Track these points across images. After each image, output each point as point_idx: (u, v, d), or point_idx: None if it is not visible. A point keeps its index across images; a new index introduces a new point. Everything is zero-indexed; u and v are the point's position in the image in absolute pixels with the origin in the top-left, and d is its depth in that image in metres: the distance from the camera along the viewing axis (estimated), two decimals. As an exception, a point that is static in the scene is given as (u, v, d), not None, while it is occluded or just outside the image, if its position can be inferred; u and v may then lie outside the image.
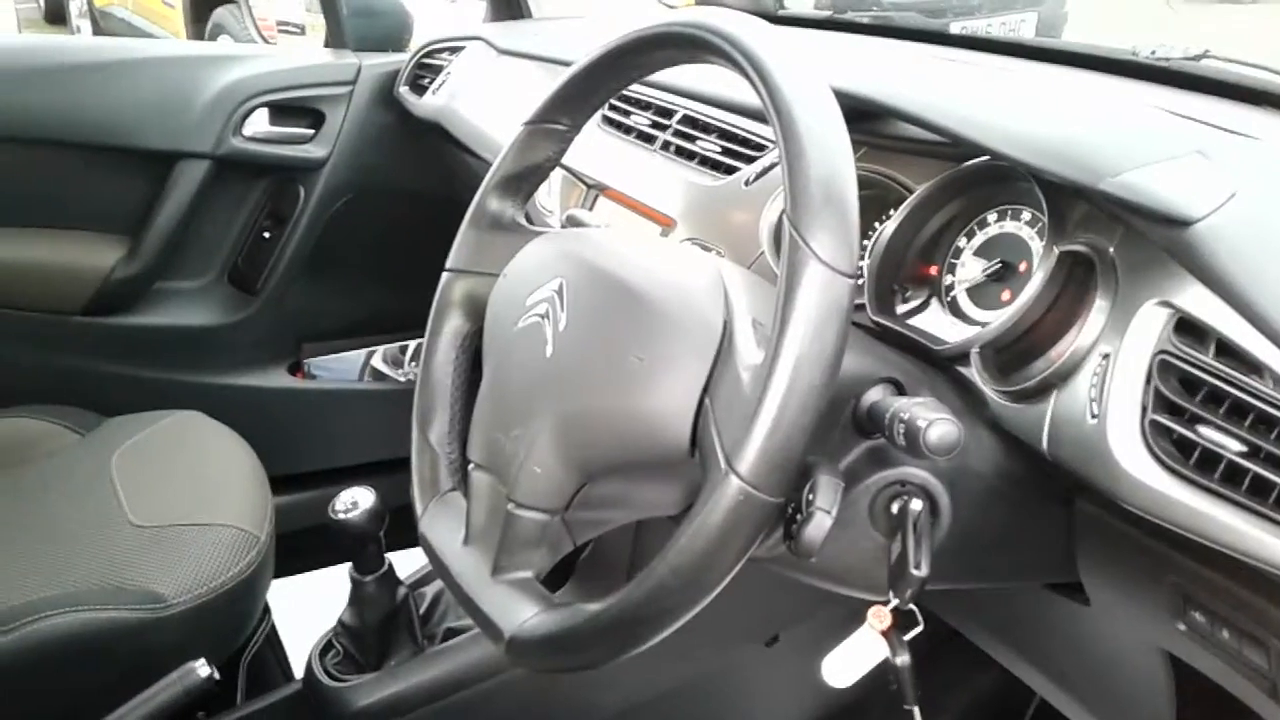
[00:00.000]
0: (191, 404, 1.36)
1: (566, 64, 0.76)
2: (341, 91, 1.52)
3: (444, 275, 0.80)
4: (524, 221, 0.79)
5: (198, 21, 4.24)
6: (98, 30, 5.49)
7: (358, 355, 1.65)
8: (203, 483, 1.20)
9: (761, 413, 0.49)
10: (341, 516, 0.97)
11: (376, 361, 1.66)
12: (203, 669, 0.94)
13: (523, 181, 0.79)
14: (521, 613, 0.59)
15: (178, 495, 1.17)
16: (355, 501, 0.97)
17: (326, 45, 1.63)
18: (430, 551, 0.69)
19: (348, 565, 1.04)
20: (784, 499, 0.51)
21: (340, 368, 1.64)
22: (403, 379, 1.68)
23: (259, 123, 1.49)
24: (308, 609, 1.35)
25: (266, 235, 1.54)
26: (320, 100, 1.52)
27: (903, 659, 0.58)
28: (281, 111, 1.51)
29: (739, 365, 0.55)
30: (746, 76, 0.57)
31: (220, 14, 4.07)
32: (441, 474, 0.73)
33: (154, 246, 1.47)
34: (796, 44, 0.58)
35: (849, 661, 0.65)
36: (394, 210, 1.61)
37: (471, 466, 0.67)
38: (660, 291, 0.61)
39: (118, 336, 1.48)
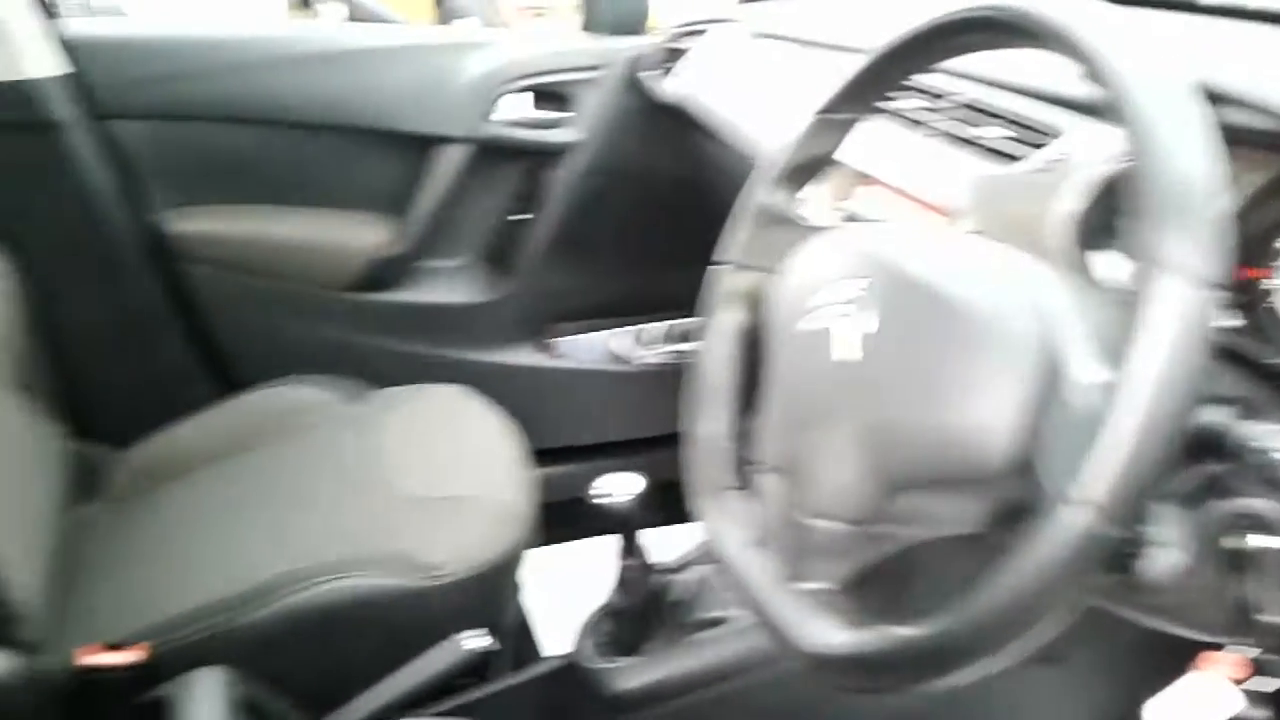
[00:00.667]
0: (448, 378, 1.42)
1: (833, 48, 0.73)
2: (592, 76, 1.55)
3: (716, 268, 0.80)
4: (803, 214, 0.78)
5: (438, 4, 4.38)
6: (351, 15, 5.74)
7: (602, 336, 1.68)
8: (468, 456, 1.25)
9: (1110, 437, 0.46)
10: (606, 501, 0.98)
11: (618, 343, 1.69)
12: (477, 640, 0.98)
13: (804, 173, 0.77)
14: (822, 627, 0.58)
15: (445, 467, 1.22)
16: (619, 485, 0.98)
17: (583, 29, 1.65)
18: (715, 551, 0.69)
19: (587, 540, 1.05)
20: (1127, 530, 0.47)
21: (586, 347, 1.68)
22: (642, 360, 1.70)
23: (513, 107, 1.53)
24: (552, 582, 1.39)
25: (519, 217, 1.59)
26: (572, 84, 1.55)
27: (1263, 715, 0.53)
28: (535, 96, 1.55)
29: (1073, 381, 0.51)
30: (1086, 67, 0.53)
31: None
32: (722, 471, 0.73)
33: (417, 227, 1.54)
34: (1141, 27, 0.53)
35: (1188, 711, 0.59)
36: (639, 194, 1.62)
37: (761, 467, 0.67)
38: (975, 296, 0.58)
39: (382, 312, 1.57)
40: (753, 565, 0.65)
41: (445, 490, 1.17)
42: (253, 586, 1.04)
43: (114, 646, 0.99)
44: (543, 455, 1.33)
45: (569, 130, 1.55)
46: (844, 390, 0.61)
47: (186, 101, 1.46)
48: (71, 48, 1.39)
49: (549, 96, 1.55)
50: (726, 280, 0.78)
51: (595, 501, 0.98)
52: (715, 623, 1.02)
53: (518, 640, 1.33)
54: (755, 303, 0.77)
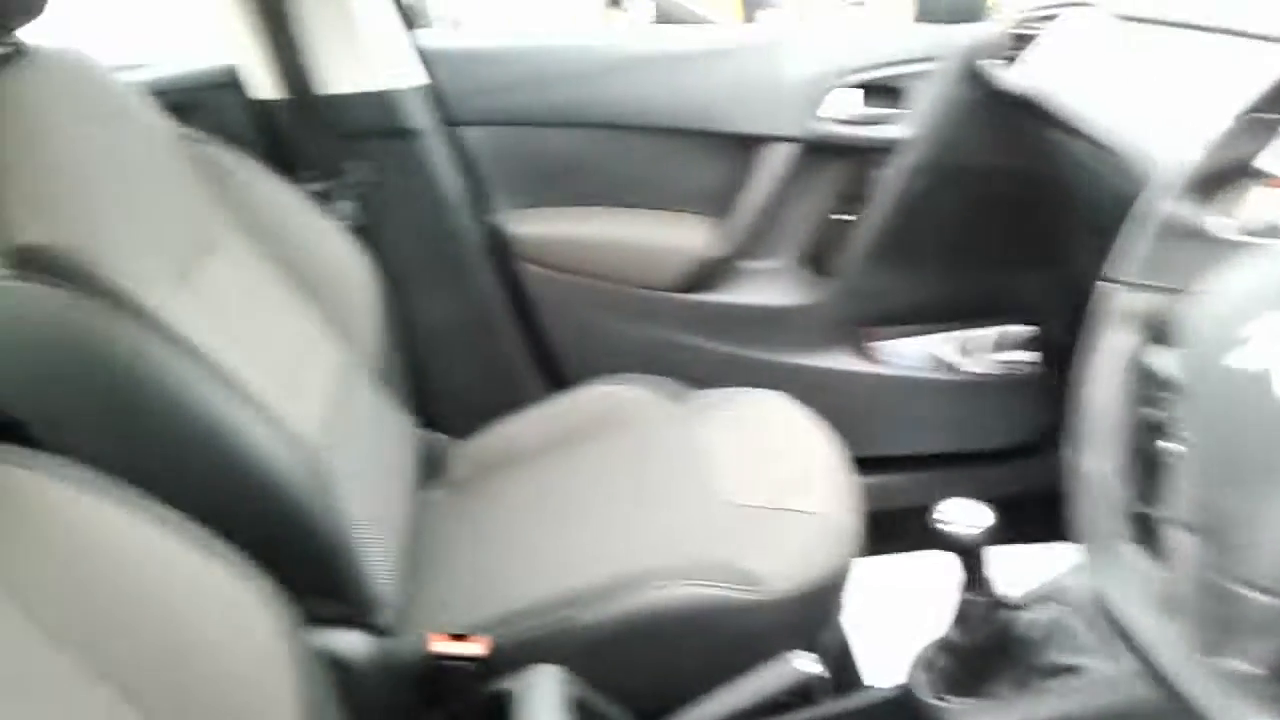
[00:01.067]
0: (767, 380, 1.40)
1: (1223, 32, 0.62)
2: (925, 68, 1.47)
3: (1108, 286, 0.71)
4: (1217, 229, 0.68)
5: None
6: (657, 13, 5.83)
7: (925, 341, 1.60)
8: (794, 465, 1.22)
9: None
10: (950, 529, 0.92)
11: (944, 349, 1.60)
12: (813, 663, 0.95)
13: (1220, 181, 0.68)
14: (1249, 714, 0.50)
15: (771, 476, 1.20)
16: (963, 513, 0.92)
17: (917, 19, 1.58)
18: (1109, 611, 0.62)
19: (908, 554, 0.97)
20: None
21: (907, 353, 1.61)
22: (973, 369, 1.61)
23: (842, 103, 1.48)
24: (880, 594, 1.34)
25: (842, 217, 1.54)
26: (904, 78, 1.47)
27: None
28: (864, 91, 1.49)
29: None
30: None
31: None
32: (1112, 518, 0.65)
33: (740, 228, 1.53)
34: None
35: None
36: (975, 192, 1.52)
37: (1172, 523, 0.59)
38: None
39: (703, 312, 1.57)
40: (1159, 631, 0.57)
41: (772, 500, 1.15)
42: (590, 586, 1.06)
43: (458, 636, 1.04)
44: (860, 463, 1.28)
45: (900, 126, 1.48)
46: (1292, 442, 0.52)
47: (525, 108, 1.52)
48: (427, 59, 1.48)
49: (879, 91, 1.49)
50: (1119, 299, 0.70)
51: (938, 527, 0.92)
52: (1070, 670, 0.93)
53: (838, 661, 1.29)
54: (1155, 327, 0.68)
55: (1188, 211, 0.68)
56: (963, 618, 0.96)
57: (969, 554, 0.92)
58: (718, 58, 1.51)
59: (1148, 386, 0.67)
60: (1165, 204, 0.69)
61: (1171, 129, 0.81)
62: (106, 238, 0.95)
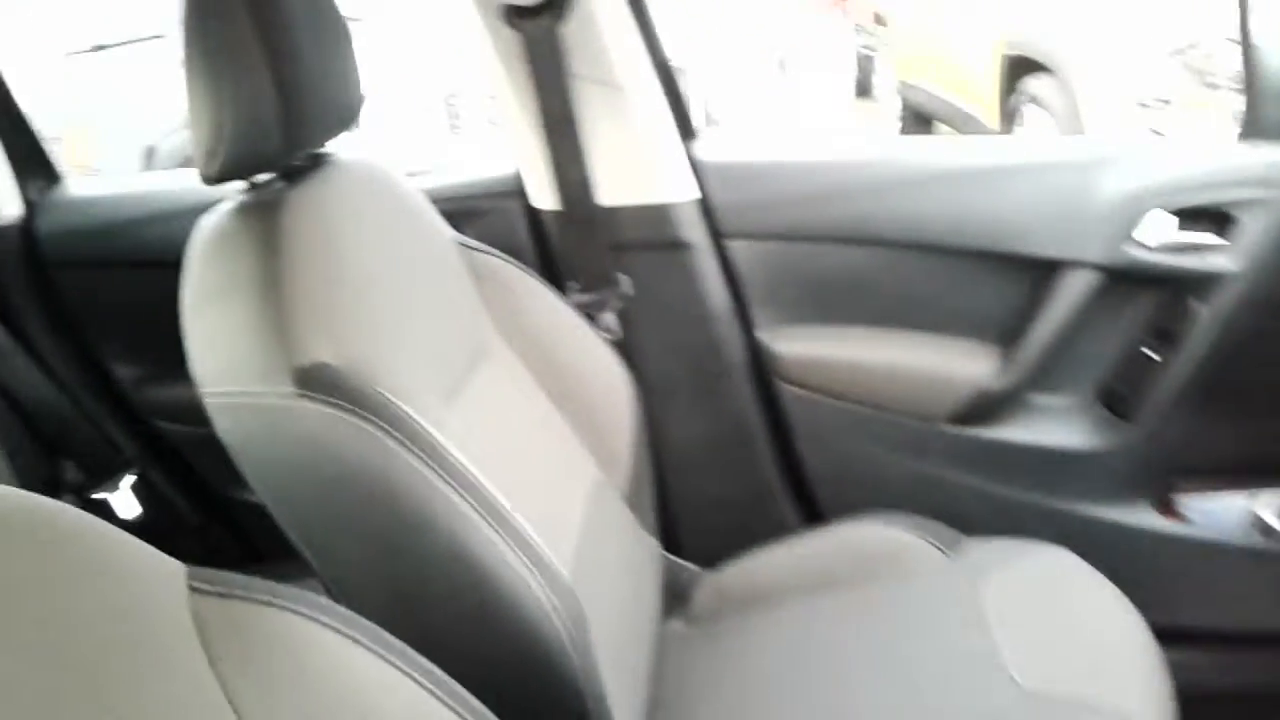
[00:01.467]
0: (1049, 533, 1.25)
1: None
2: (1263, 195, 1.28)
3: None
4: None
5: (1007, 87, 4.04)
6: (905, 105, 5.62)
7: (1244, 501, 1.39)
8: (1095, 645, 1.06)
9: None
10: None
11: (1265, 511, 1.38)
12: None
13: None
14: None
15: (1068, 657, 1.05)
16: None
17: (1241, 136, 1.40)
18: None
19: None
20: None
21: (1219, 512, 1.39)
22: (1298, 536, 1.38)
23: (1157, 229, 1.32)
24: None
25: (1150, 354, 1.36)
26: (1235, 204, 1.30)
27: None
28: (1184, 216, 1.32)
29: None
30: None
31: (1031, 83, 3.81)
32: None
33: (1027, 359, 1.39)
34: None
35: None
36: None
37: None
38: None
39: (979, 449, 1.43)
40: None
41: (1073, 691, 0.99)
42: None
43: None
44: (1159, 635, 1.10)
45: (1224, 257, 1.30)
46: None
47: (797, 222, 1.45)
48: (699, 171, 1.45)
49: (1199, 215, 1.32)
50: None
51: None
52: None
53: None
54: None
55: None
56: None
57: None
58: (1015, 173, 1.39)
59: None
60: None
61: None
62: (389, 353, 0.95)
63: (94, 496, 1.60)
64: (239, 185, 0.99)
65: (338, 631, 0.66)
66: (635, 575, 1.21)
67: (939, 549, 1.27)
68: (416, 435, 0.88)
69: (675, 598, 1.36)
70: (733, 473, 1.52)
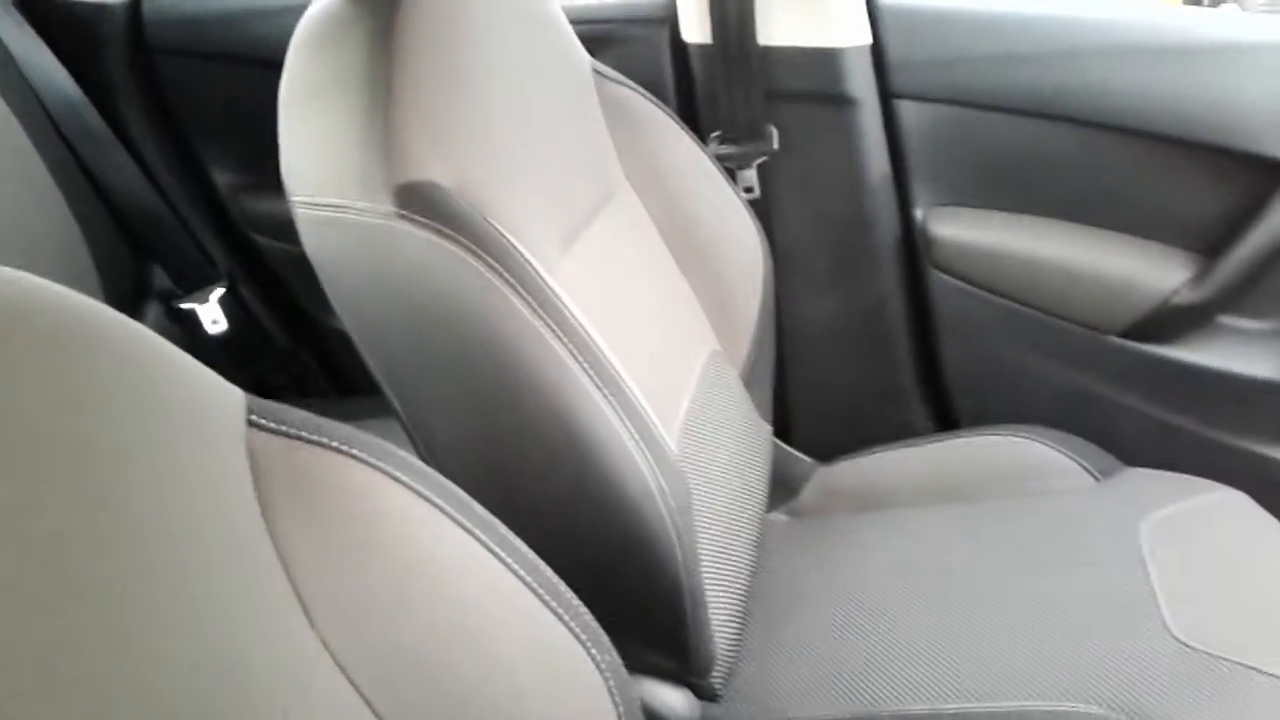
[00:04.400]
0: (1223, 472, 1.09)
1: None
2: None
3: None
4: None
5: None
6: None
7: None
8: (1267, 610, 0.92)
9: None
10: None
11: None
12: None
13: None
14: None
15: (1233, 615, 0.90)
16: None
17: None
18: None
19: None
20: None
21: None
22: None
23: None
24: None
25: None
26: None
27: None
28: None
29: None
30: None
31: None
32: None
33: (1230, 272, 1.19)
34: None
35: None
36: None
37: None
38: None
39: (1155, 368, 1.25)
40: None
41: (1242, 650, 0.85)
42: (976, 716, 0.83)
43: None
44: None
45: None
46: None
47: (980, 86, 1.25)
48: (875, 16, 1.26)
49: None
50: None
51: None
52: None
53: None
54: None
55: None
56: None
57: None
58: (1250, 53, 1.17)
59: None
60: None
61: None
62: (507, 181, 0.82)
63: (181, 306, 1.53)
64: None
65: (416, 492, 0.56)
66: (745, 461, 1.09)
67: (1090, 472, 1.12)
68: (527, 278, 0.77)
69: (783, 489, 1.24)
70: (864, 362, 1.38)
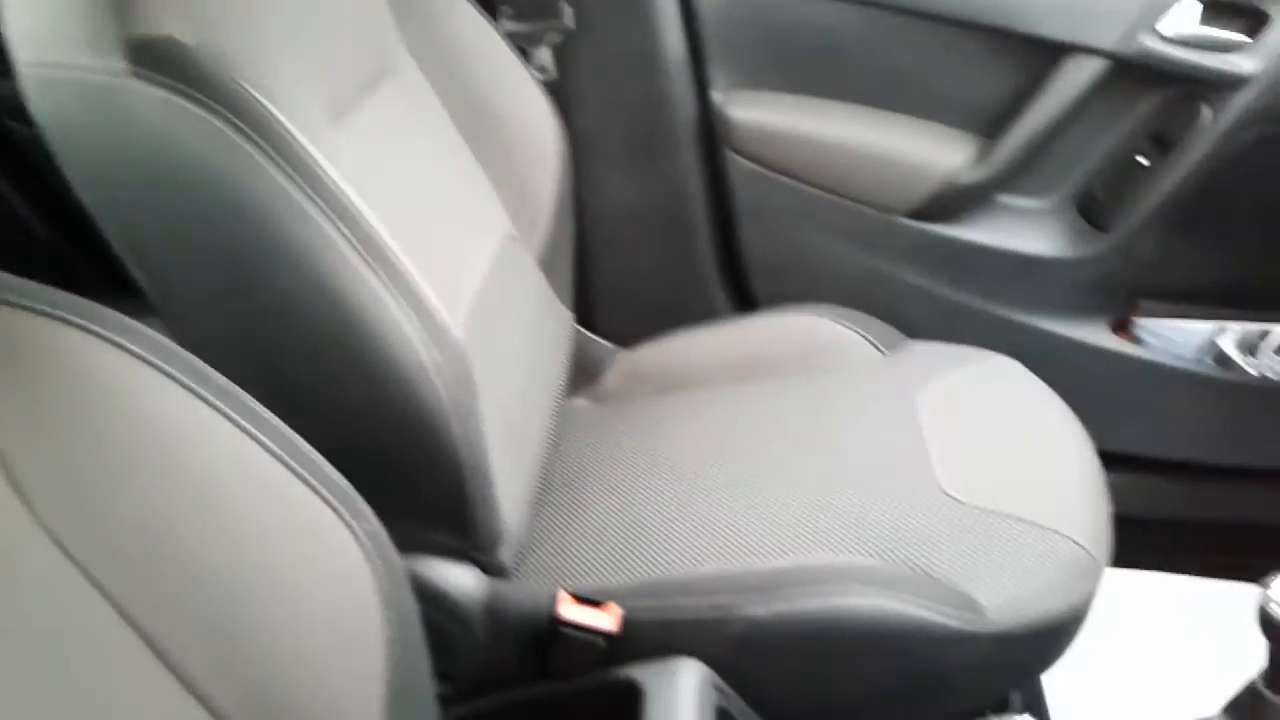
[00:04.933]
0: (1002, 344, 1.15)
1: None
2: (1302, -15, 1.13)
3: None
4: None
5: None
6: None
7: (1203, 328, 1.29)
8: (1032, 465, 0.97)
9: None
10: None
11: (1225, 342, 1.29)
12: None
13: None
14: None
15: (1001, 471, 0.96)
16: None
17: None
18: None
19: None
20: None
21: (1177, 338, 1.30)
22: (1255, 371, 1.30)
23: (1182, 19, 1.16)
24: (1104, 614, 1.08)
25: (1141, 160, 1.23)
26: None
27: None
28: (1213, 8, 1.16)
29: None
30: None
31: None
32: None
33: (1008, 152, 1.24)
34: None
35: None
36: (1322, 156, 1.19)
37: None
38: None
39: (936, 248, 1.30)
40: None
41: (1007, 503, 0.91)
42: (759, 572, 0.85)
43: (587, 601, 0.85)
44: (1105, 459, 1.02)
45: (1248, 57, 1.15)
46: None
47: None
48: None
49: (1229, 10, 1.16)
50: None
51: (1268, 608, 0.67)
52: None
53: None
54: None
55: None
56: (1239, 709, 0.72)
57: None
58: None
59: None
60: None
61: None
62: (256, 40, 0.76)
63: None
64: None
65: (137, 357, 0.52)
66: (541, 344, 1.08)
67: (877, 347, 1.16)
68: (284, 144, 0.72)
69: (585, 374, 1.24)
70: (663, 247, 1.38)
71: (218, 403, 0.54)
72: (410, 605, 0.59)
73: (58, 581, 0.46)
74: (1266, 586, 0.67)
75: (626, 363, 1.24)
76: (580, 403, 1.20)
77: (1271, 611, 0.66)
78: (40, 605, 0.45)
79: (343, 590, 0.56)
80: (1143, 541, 1.11)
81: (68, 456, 0.49)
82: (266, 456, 0.54)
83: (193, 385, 0.53)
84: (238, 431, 0.54)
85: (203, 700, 0.48)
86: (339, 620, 0.55)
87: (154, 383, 0.52)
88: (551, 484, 1.01)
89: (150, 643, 0.48)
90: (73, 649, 0.45)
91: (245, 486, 0.54)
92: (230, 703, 0.49)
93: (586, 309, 1.31)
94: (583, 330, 1.26)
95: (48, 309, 0.50)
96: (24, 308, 0.50)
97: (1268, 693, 0.69)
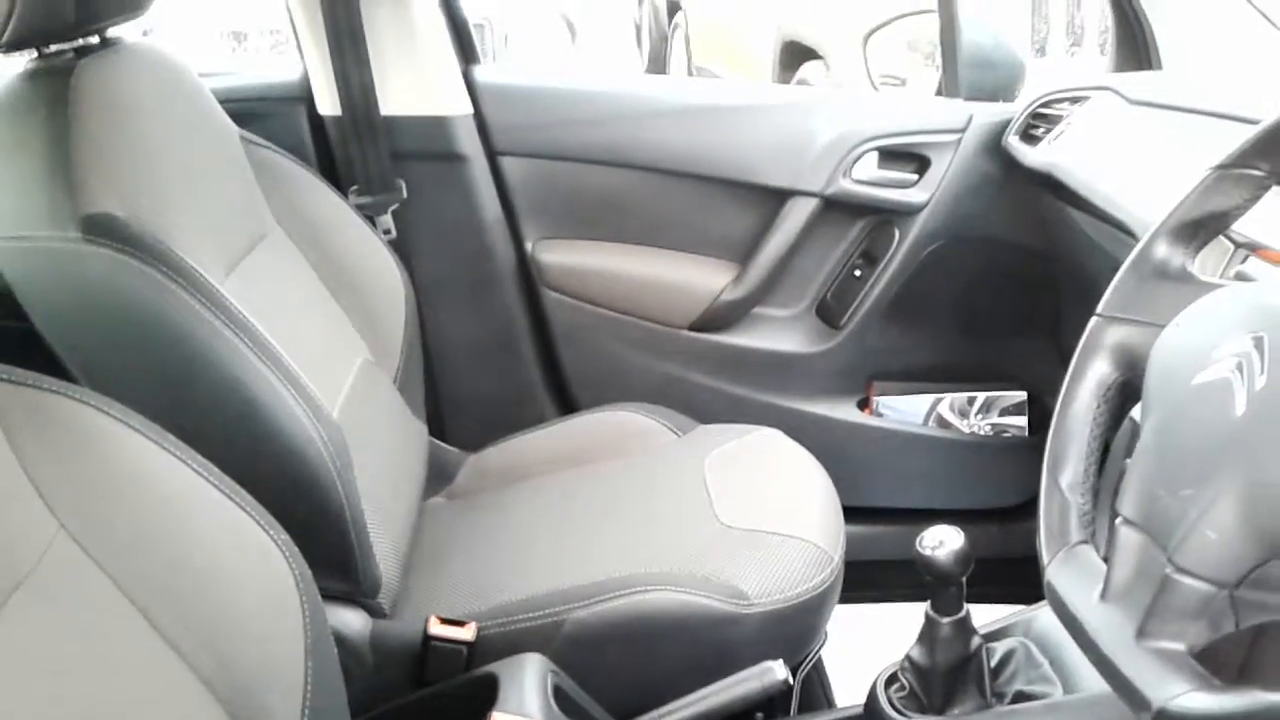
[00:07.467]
0: (769, 422, 1.46)
1: (1223, 117, 0.69)
2: (949, 139, 1.55)
3: (1093, 321, 0.77)
4: (1194, 272, 0.74)
5: (785, 72, 4.50)
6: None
7: (925, 400, 1.66)
8: (784, 496, 1.28)
9: None
10: (928, 553, 0.96)
11: (943, 409, 1.65)
12: (780, 670, 0.99)
13: (1199, 229, 0.75)
14: (1176, 685, 0.55)
15: (762, 503, 1.25)
16: (943, 540, 0.96)
17: (938, 94, 1.66)
18: (1058, 602, 0.67)
19: (905, 604, 1.00)
20: None
21: (907, 409, 1.66)
22: (967, 430, 1.66)
23: (867, 166, 1.56)
24: (858, 638, 1.38)
25: (857, 274, 1.61)
26: (927, 146, 1.55)
27: None
28: (889, 156, 1.57)
29: None
30: None
31: (806, 69, 4.29)
32: (1072, 524, 0.70)
33: (758, 275, 1.60)
34: None
35: None
36: (983, 260, 1.60)
37: (1120, 521, 0.64)
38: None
39: (715, 352, 1.64)
40: (1100, 619, 0.62)
41: (764, 523, 1.20)
42: (580, 585, 1.11)
43: (449, 621, 1.09)
44: (852, 513, 1.33)
45: (920, 191, 1.55)
46: (1232, 446, 0.58)
47: (565, 144, 1.61)
48: (477, 91, 1.58)
49: (903, 157, 1.57)
50: (1100, 333, 0.76)
51: (921, 553, 0.96)
52: (1031, 697, 0.97)
53: (809, 686, 1.32)
54: (1127, 357, 0.74)
55: (1169, 255, 0.75)
56: (929, 639, 1.00)
57: (943, 577, 0.97)
58: (755, 113, 1.60)
59: (1114, 408, 0.73)
60: (1150, 248, 0.75)
61: (1164, 193, 0.87)
62: (172, 215, 1.03)
63: None
64: (30, 55, 1.05)
65: (128, 425, 0.75)
66: (401, 449, 1.34)
67: (674, 431, 1.46)
68: (198, 283, 0.98)
69: (441, 477, 1.49)
70: (498, 369, 1.67)
71: (183, 456, 0.77)
72: (316, 597, 0.82)
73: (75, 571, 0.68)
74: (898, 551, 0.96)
75: (475, 464, 1.50)
76: (438, 500, 1.45)
77: (922, 553, 0.96)
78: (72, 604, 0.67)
79: (270, 584, 0.80)
80: (881, 579, 1.39)
81: (106, 504, 0.71)
82: (217, 491, 0.78)
83: (170, 448, 0.76)
84: (202, 480, 0.78)
85: (183, 656, 0.70)
86: (268, 607, 0.79)
87: (145, 444, 0.75)
88: (423, 556, 1.25)
89: (143, 613, 0.70)
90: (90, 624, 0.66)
91: (205, 510, 0.77)
92: (199, 660, 0.70)
93: (438, 421, 1.57)
94: (435, 440, 1.51)
95: (62, 390, 0.74)
96: (44, 389, 0.73)
97: (932, 614, 0.98)
